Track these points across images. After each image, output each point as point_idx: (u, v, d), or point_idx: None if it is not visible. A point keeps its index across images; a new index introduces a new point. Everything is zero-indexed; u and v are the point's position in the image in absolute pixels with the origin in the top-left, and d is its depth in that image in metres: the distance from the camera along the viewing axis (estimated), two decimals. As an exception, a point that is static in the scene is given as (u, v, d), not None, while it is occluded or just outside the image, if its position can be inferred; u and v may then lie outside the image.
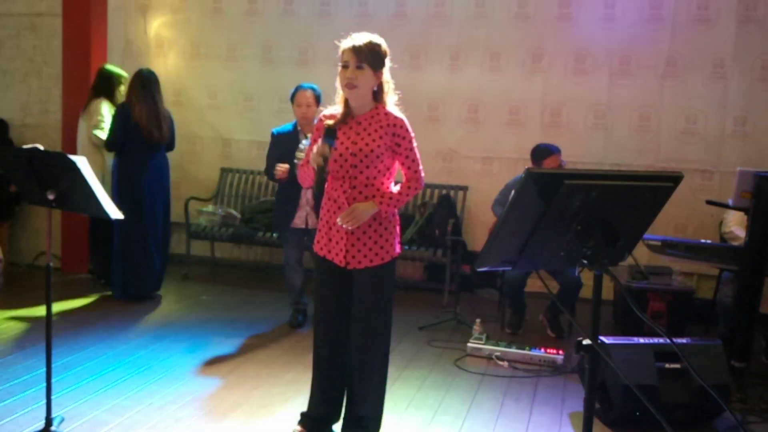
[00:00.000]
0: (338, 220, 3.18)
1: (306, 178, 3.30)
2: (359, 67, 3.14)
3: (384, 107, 3.27)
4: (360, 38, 3.17)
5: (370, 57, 3.15)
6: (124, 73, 6.16)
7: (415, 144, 3.31)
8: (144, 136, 5.67)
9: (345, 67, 3.16)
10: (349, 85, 3.15)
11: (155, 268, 5.92)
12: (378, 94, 3.26)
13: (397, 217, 3.39)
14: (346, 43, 3.18)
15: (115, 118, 5.74)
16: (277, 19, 7.01)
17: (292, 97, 5.21)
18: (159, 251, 5.92)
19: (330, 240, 3.30)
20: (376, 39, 3.21)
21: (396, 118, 3.25)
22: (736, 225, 5.12)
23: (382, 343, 3.37)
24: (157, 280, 6.00)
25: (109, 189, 5.87)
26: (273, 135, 5.23)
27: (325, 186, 3.28)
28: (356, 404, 3.41)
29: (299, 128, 5.17)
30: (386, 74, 3.26)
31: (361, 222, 3.18)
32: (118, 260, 5.85)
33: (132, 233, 5.74)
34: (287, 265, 5.35)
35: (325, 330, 3.41)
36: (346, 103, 3.25)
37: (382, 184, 3.26)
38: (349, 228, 3.18)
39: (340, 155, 3.20)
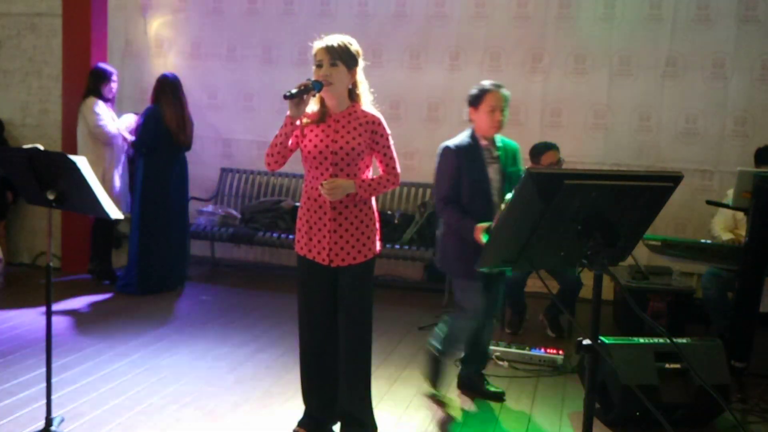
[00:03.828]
0: (320, 186, 3.20)
1: (277, 155, 3.27)
2: (333, 65, 3.19)
3: (360, 106, 3.30)
4: (332, 38, 3.22)
5: (343, 55, 3.20)
6: (112, 70, 6.21)
7: (391, 141, 3.35)
8: (172, 139, 5.93)
9: (319, 66, 3.20)
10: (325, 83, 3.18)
11: (177, 263, 6.19)
12: (353, 93, 3.30)
13: (378, 215, 3.44)
14: (318, 44, 3.23)
15: (147, 121, 5.91)
16: (277, 19, 7.01)
17: None
18: (182, 247, 6.22)
19: (311, 239, 3.33)
20: (348, 39, 3.27)
21: (373, 115, 3.30)
22: (721, 229, 5.16)
23: (365, 338, 3.41)
24: (180, 275, 6.26)
25: (109, 186, 5.95)
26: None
27: (304, 185, 3.36)
28: (344, 400, 3.43)
29: None
30: (360, 74, 3.30)
31: (340, 195, 3.20)
32: (137, 256, 6.00)
33: (156, 230, 5.99)
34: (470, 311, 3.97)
35: (310, 330, 3.44)
36: (322, 102, 3.28)
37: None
38: (330, 198, 3.20)
39: (320, 153, 3.23)
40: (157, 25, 7.28)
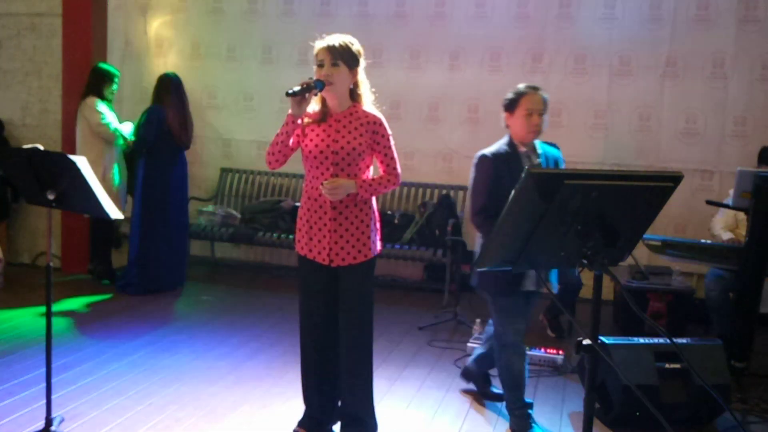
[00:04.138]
0: (321, 185, 3.19)
1: (278, 153, 3.27)
2: (334, 65, 3.19)
3: (361, 106, 3.30)
4: (334, 38, 3.23)
5: (344, 55, 3.20)
6: (116, 71, 6.19)
7: (392, 141, 3.35)
8: (174, 139, 5.93)
9: (320, 66, 3.20)
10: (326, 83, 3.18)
11: (177, 263, 6.21)
12: (354, 93, 3.30)
13: (378, 215, 3.44)
14: (319, 43, 3.24)
15: (148, 120, 5.91)
16: (277, 19, 7.01)
17: None
18: (181, 246, 6.25)
19: (311, 239, 3.33)
20: (350, 39, 3.27)
21: (374, 116, 3.30)
22: (722, 228, 5.16)
23: (366, 338, 3.41)
24: (181, 274, 6.27)
25: (111, 185, 5.96)
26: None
27: (304, 185, 3.36)
28: (346, 400, 3.44)
29: None
30: (361, 74, 3.31)
31: (341, 195, 3.20)
32: (138, 256, 6.01)
33: (156, 230, 6.00)
34: (513, 345, 3.71)
35: (311, 330, 3.44)
36: (324, 102, 3.28)
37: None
38: (331, 198, 3.20)
39: (321, 152, 3.23)
40: (157, 25, 7.28)
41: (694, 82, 6.15)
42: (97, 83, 6.07)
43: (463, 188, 6.65)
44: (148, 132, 5.88)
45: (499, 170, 3.58)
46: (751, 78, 6.04)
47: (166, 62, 7.18)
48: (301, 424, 3.51)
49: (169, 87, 5.94)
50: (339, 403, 3.51)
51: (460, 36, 6.59)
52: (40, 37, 6.98)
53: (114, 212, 3.21)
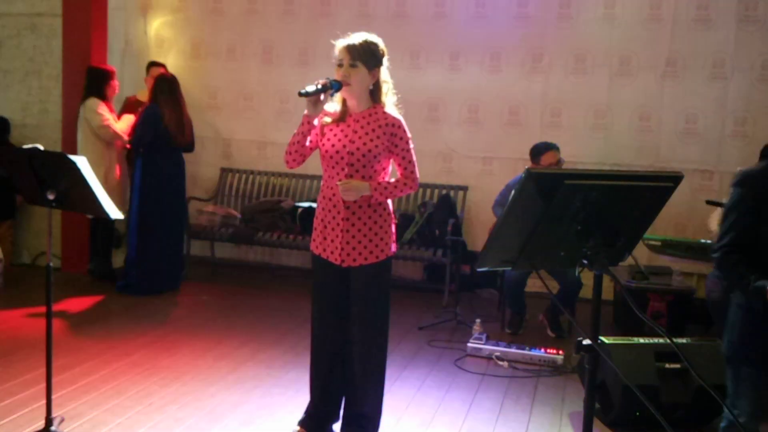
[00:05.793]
0: (336, 185, 3.19)
1: (295, 153, 3.26)
2: (353, 65, 3.17)
3: (382, 107, 3.27)
4: (356, 37, 3.21)
5: (364, 55, 3.17)
6: (112, 68, 6.21)
7: (411, 145, 3.32)
8: (171, 139, 5.93)
9: (340, 65, 3.19)
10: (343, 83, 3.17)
11: (176, 263, 6.22)
12: (375, 94, 3.27)
13: (393, 217, 3.41)
14: (341, 42, 3.22)
15: (146, 119, 5.90)
16: (277, 19, 7.01)
17: None
18: (179, 247, 6.25)
19: (325, 238, 3.32)
20: (373, 38, 3.24)
21: (394, 118, 3.27)
22: (719, 224, 5.13)
23: (380, 340, 3.39)
24: (178, 276, 6.25)
25: (111, 187, 5.95)
26: None
27: (321, 185, 3.35)
28: (355, 402, 3.42)
29: None
30: (384, 74, 3.28)
31: (354, 196, 3.19)
32: (137, 256, 6.01)
33: (155, 230, 5.99)
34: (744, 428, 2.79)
35: (322, 329, 3.42)
36: (344, 101, 3.27)
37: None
38: (345, 199, 3.19)
39: (337, 152, 3.22)
40: (157, 25, 7.28)
41: (694, 82, 6.15)
42: (98, 84, 6.08)
43: (463, 188, 6.66)
44: (144, 131, 5.87)
45: (764, 196, 2.74)
46: (751, 78, 6.04)
47: (166, 62, 7.16)
48: (301, 423, 3.51)
49: (164, 87, 5.94)
50: (342, 403, 3.50)
51: (460, 36, 6.59)
52: (40, 37, 6.98)
53: (114, 212, 3.21)
